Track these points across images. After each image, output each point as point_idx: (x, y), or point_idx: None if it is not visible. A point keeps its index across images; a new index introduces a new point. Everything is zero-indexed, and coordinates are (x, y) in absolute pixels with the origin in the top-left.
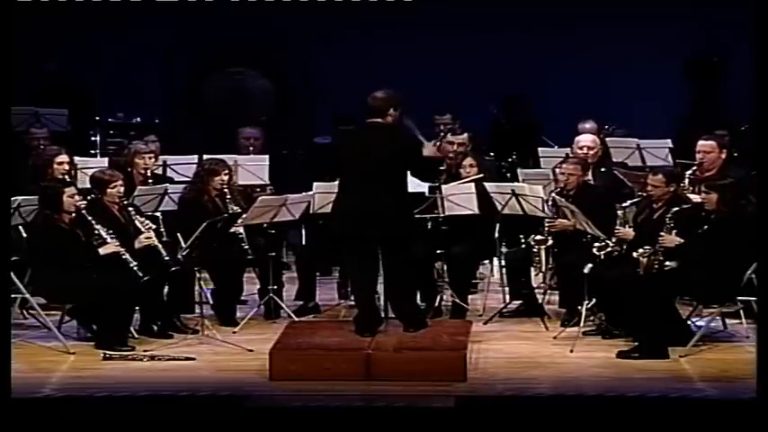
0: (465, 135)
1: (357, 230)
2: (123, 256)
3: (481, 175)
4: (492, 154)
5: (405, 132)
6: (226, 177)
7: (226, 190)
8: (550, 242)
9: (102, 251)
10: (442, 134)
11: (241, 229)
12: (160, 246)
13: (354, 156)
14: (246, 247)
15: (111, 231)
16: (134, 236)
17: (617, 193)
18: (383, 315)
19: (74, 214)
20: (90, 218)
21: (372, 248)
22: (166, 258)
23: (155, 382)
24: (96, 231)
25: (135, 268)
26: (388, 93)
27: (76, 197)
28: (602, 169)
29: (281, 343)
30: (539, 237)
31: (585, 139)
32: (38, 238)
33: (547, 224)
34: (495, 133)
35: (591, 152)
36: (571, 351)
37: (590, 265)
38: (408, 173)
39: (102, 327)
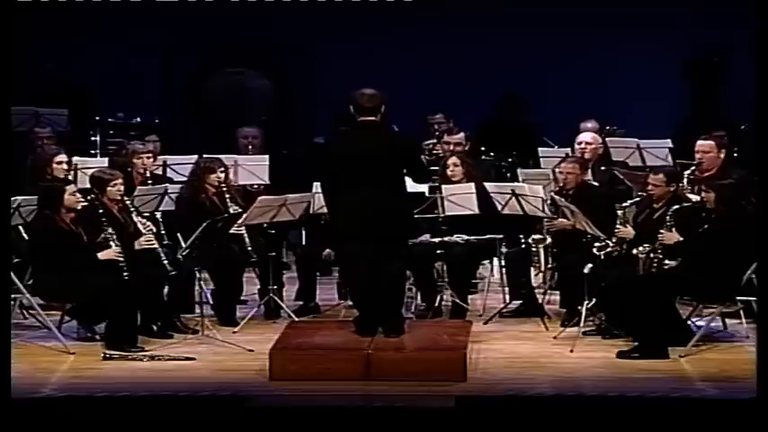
0: (461, 134)
1: (358, 231)
2: (120, 263)
3: (465, 180)
4: (492, 154)
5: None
6: (222, 175)
7: (224, 188)
8: (549, 241)
9: (101, 256)
10: (438, 134)
11: (243, 230)
12: (160, 249)
13: (353, 156)
14: (249, 248)
15: (113, 232)
16: (134, 236)
17: (616, 192)
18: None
19: (74, 213)
20: (103, 219)
21: (372, 249)
22: (165, 262)
23: (155, 382)
24: (105, 232)
25: (126, 276)
26: (376, 91)
27: (78, 195)
28: (602, 168)
29: (281, 343)
30: (537, 236)
31: (585, 136)
32: (38, 238)
33: (546, 223)
34: (490, 132)
35: (589, 147)
36: (571, 351)
37: (590, 265)
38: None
39: (111, 327)
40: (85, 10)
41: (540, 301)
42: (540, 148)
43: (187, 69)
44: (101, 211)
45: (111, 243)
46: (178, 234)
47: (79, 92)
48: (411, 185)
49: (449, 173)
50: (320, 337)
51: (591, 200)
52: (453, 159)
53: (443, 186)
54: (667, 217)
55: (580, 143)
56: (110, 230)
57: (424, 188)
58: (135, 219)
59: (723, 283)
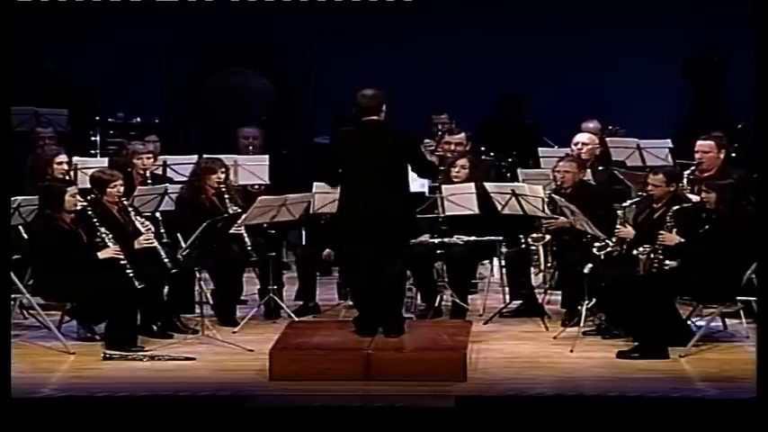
0: (462, 134)
1: (361, 231)
2: (122, 262)
3: (471, 183)
4: (492, 154)
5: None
6: (222, 176)
7: (224, 189)
8: (547, 239)
9: (101, 255)
10: (440, 134)
11: (243, 230)
12: (159, 248)
13: (356, 155)
14: (249, 248)
15: (109, 234)
16: (134, 236)
17: (614, 192)
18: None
19: (74, 214)
20: (95, 219)
21: (372, 250)
22: (165, 260)
23: (155, 382)
24: (99, 233)
25: (131, 275)
26: (377, 90)
27: (77, 197)
28: (600, 168)
29: (281, 343)
30: (536, 234)
31: (581, 137)
32: (39, 238)
33: (544, 222)
34: (491, 132)
35: (585, 148)
36: (571, 351)
37: (590, 265)
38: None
39: (111, 327)
40: (85, 10)
41: (540, 301)
42: (540, 148)
43: (187, 69)
44: (89, 212)
45: (109, 243)
46: (178, 234)
47: (79, 92)
48: (412, 186)
49: (454, 173)
50: (320, 337)
51: (588, 199)
52: (462, 161)
53: (443, 186)
54: (667, 217)
55: (576, 143)
56: (103, 231)
57: (424, 188)
58: (134, 219)
59: (723, 283)
